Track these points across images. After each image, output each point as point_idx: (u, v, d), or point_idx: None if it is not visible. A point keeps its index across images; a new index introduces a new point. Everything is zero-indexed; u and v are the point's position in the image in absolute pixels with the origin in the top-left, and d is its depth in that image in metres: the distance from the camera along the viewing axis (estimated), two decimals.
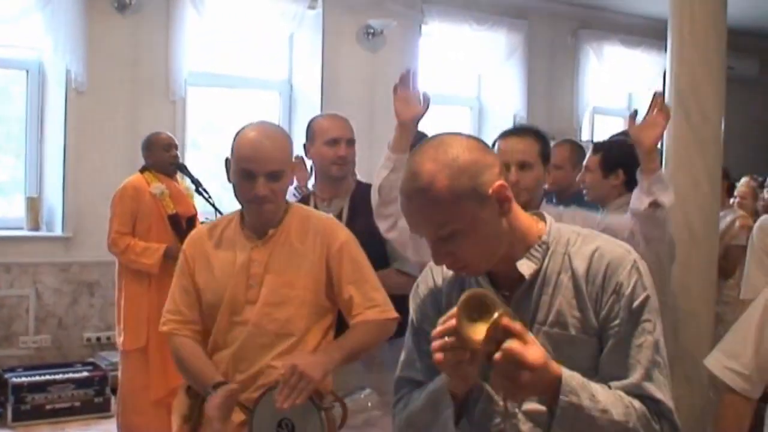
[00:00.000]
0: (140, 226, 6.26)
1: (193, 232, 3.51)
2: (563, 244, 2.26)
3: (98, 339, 8.20)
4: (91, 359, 7.96)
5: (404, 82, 4.02)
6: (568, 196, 5.48)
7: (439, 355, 2.01)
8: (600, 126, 12.05)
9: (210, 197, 6.30)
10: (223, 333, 3.30)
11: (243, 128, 3.29)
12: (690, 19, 5.59)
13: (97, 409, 7.46)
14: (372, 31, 9.52)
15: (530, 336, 2.01)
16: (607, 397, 2.07)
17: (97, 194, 7.77)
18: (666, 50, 5.80)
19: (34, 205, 8.19)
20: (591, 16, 11.22)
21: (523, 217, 2.26)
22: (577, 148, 5.79)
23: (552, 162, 5.41)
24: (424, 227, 2.16)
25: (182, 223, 6.33)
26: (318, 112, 9.17)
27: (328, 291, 3.36)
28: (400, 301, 3.49)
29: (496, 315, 1.96)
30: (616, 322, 2.16)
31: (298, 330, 3.28)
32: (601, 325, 2.18)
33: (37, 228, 8.20)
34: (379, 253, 4.04)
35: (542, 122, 10.57)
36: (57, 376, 7.41)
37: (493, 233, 2.16)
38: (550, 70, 11.06)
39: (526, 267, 2.22)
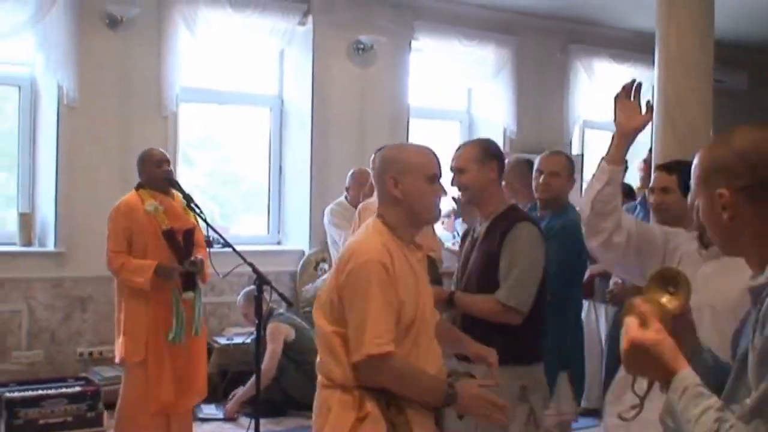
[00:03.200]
0: (136, 243, 6.29)
1: (376, 247, 3.41)
2: None
3: (91, 354, 8.21)
4: (83, 374, 7.95)
5: (626, 92, 4.01)
6: (558, 206, 5.54)
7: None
8: (590, 140, 12.11)
9: (201, 212, 6.32)
10: (412, 344, 3.44)
11: (404, 147, 3.88)
12: (676, 33, 5.65)
13: (90, 423, 7.44)
14: (362, 46, 9.56)
15: (655, 324, 2.11)
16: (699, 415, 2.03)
17: (89, 209, 7.81)
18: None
19: (26, 221, 8.21)
20: (580, 30, 11.28)
21: None
22: (570, 159, 5.85)
23: (550, 169, 5.50)
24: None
25: (178, 238, 6.35)
26: (309, 127, 9.24)
27: None
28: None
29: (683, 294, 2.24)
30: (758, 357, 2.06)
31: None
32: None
33: (29, 243, 8.21)
34: (491, 275, 4.38)
35: (532, 136, 10.68)
36: (50, 391, 7.40)
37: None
38: (540, 84, 11.11)
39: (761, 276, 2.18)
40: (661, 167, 4.74)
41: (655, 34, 5.79)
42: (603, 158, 3.90)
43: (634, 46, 11.19)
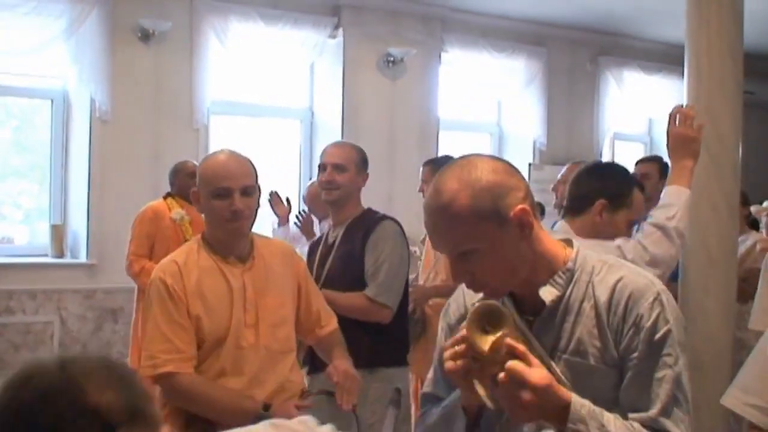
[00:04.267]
0: (159, 249, 6.33)
1: (163, 266, 3.39)
2: (588, 272, 2.22)
3: None
4: None
5: (673, 119, 4.06)
6: None
7: (450, 363, 2.07)
8: (620, 151, 12.06)
9: None
10: (230, 359, 3.32)
11: (206, 157, 3.52)
12: (707, 45, 5.62)
13: None
14: (392, 59, 9.58)
15: (534, 358, 2.03)
16: (618, 428, 2.06)
17: (120, 221, 7.83)
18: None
19: (58, 233, 8.27)
20: (609, 42, 11.25)
21: (548, 242, 2.24)
22: None
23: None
24: (443, 244, 2.18)
25: None
26: (339, 139, 9.24)
27: (297, 307, 3.59)
28: (351, 324, 4.02)
29: (501, 332, 2.02)
30: (635, 354, 2.13)
31: (293, 345, 3.52)
32: (621, 356, 2.14)
33: (61, 255, 8.28)
34: (355, 275, 4.35)
35: (562, 148, 10.66)
36: None
37: (512, 256, 2.15)
38: (570, 96, 11.09)
39: (548, 293, 2.20)
40: None
41: (684, 45, 5.77)
42: (677, 186, 3.90)
43: (664, 57, 11.14)
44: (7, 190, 8.59)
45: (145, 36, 8.30)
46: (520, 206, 2.12)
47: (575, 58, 11.12)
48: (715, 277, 5.49)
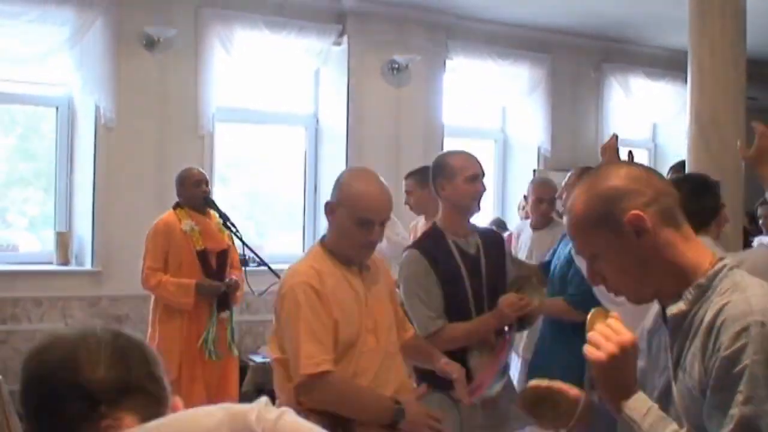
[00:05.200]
0: (172, 261, 6.38)
1: (304, 271, 3.43)
2: (719, 292, 2.11)
3: None
4: None
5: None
6: None
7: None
8: (625, 157, 12.06)
9: (237, 231, 6.39)
10: (358, 363, 3.43)
11: (355, 177, 3.57)
12: (710, 51, 5.64)
13: None
14: (397, 66, 9.59)
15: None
16: None
17: (126, 229, 7.87)
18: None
19: (63, 240, 8.28)
20: (613, 49, 11.26)
21: (686, 252, 2.17)
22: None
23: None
24: (575, 247, 2.29)
25: (211, 259, 6.45)
26: (344, 146, 9.26)
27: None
28: None
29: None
30: (711, 383, 2.03)
31: (398, 349, 3.66)
32: (705, 382, 2.06)
33: (66, 262, 8.29)
34: (504, 284, 4.43)
35: (566, 154, 10.66)
36: None
37: (631, 263, 2.15)
38: (574, 102, 11.10)
39: (674, 306, 2.16)
40: None
41: (687, 51, 5.79)
42: None
43: (667, 63, 11.14)
44: (13, 198, 8.61)
45: (151, 43, 8.32)
46: (634, 212, 2.11)
47: (579, 65, 11.13)
48: None
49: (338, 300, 3.39)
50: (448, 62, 10.04)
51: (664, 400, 2.17)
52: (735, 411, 1.97)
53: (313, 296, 3.33)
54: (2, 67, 7.99)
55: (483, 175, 4.42)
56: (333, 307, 3.36)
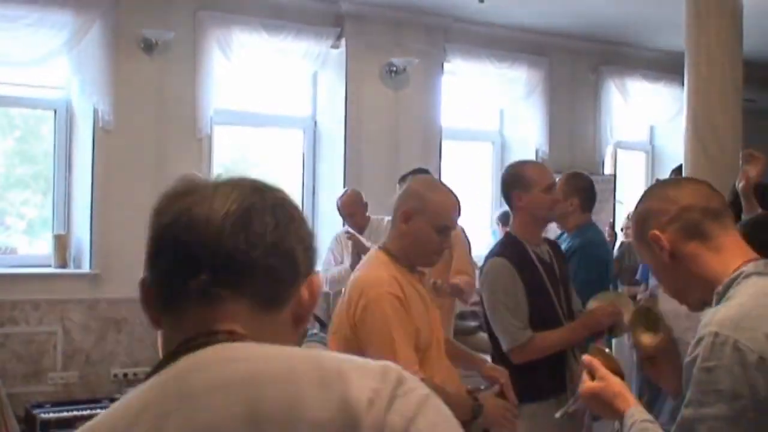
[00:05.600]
0: None
1: (384, 280, 3.45)
2: (725, 300, 2.27)
3: (125, 375, 8.26)
4: (118, 395, 7.98)
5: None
6: (573, 226, 5.53)
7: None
8: (622, 160, 12.09)
9: None
10: (430, 368, 3.46)
11: (431, 187, 3.68)
12: (706, 54, 5.65)
13: None
14: (394, 69, 9.59)
15: (601, 372, 2.39)
16: None
17: (124, 231, 7.86)
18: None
19: (62, 243, 8.28)
20: (611, 51, 11.27)
21: (714, 264, 2.32)
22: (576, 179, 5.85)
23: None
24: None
25: None
26: (342, 149, 9.26)
27: None
28: None
29: (659, 335, 2.68)
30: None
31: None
32: None
33: (64, 265, 8.28)
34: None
35: (564, 157, 10.67)
36: (85, 412, 7.44)
37: (667, 275, 2.39)
38: (572, 105, 11.11)
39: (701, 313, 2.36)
40: None
41: (684, 54, 5.80)
42: None
43: (665, 66, 11.16)
44: (11, 200, 8.61)
45: (149, 46, 8.33)
46: (651, 231, 2.35)
47: (577, 68, 11.15)
48: None
49: (415, 306, 3.45)
50: (445, 65, 10.05)
51: None
52: (682, 412, 2.19)
53: (398, 306, 3.36)
54: (0, 70, 8.00)
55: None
56: (413, 314, 3.42)
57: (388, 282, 3.40)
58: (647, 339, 2.65)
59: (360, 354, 3.33)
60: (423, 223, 3.47)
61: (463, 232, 6.43)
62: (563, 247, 5.20)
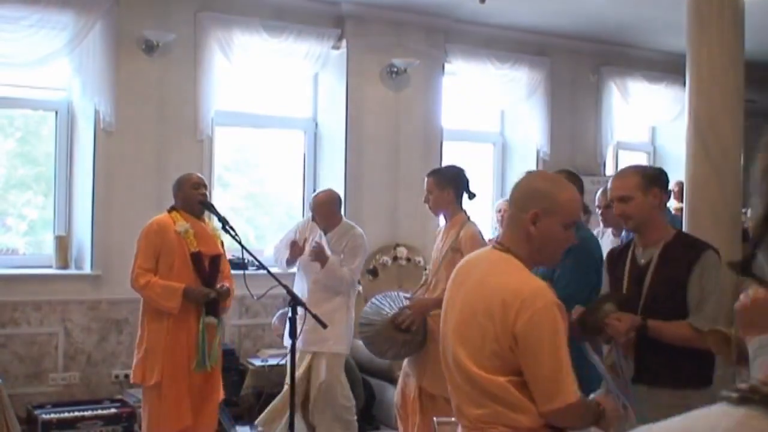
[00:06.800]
0: (163, 263, 6.35)
1: (541, 286, 3.30)
2: None
3: (126, 376, 8.23)
4: (119, 396, 8.02)
5: None
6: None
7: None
8: (624, 161, 12.08)
9: (237, 235, 6.38)
10: None
11: (556, 185, 3.52)
12: (708, 55, 5.65)
13: None
14: (395, 70, 9.60)
15: None
16: None
17: (125, 232, 7.87)
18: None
19: (63, 244, 8.29)
20: (612, 52, 11.28)
21: None
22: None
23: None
24: None
25: (204, 262, 6.42)
26: (343, 150, 9.27)
27: None
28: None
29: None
30: None
31: None
32: None
33: (66, 266, 8.30)
34: (677, 302, 4.42)
35: (566, 157, 10.67)
36: (86, 413, 7.48)
37: None
38: (573, 105, 11.12)
39: None
40: None
41: (686, 55, 5.80)
42: None
43: (666, 66, 11.17)
44: (12, 202, 8.61)
45: (150, 48, 8.33)
46: None
47: (578, 68, 11.15)
48: None
49: None
50: (446, 66, 10.06)
51: None
52: None
53: (561, 318, 3.26)
54: (2, 72, 7.99)
55: None
56: None
57: (548, 290, 3.29)
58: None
59: (518, 366, 3.23)
60: (553, 223, 3.37)
61: (478, 233, 6.30)
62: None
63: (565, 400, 3.19)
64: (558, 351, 3.19)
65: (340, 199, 7.49)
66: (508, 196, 5.15)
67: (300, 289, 7.02)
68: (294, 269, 7.49)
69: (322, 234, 7.27)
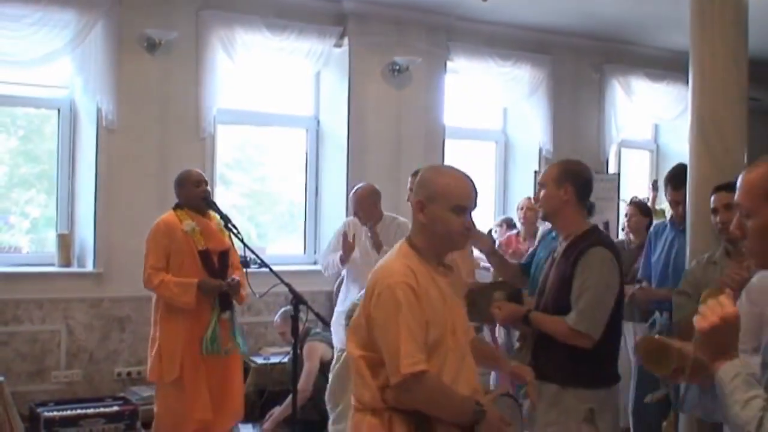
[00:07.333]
0: (173, 262, 6.38)
1: (402, 271, 3.44)
2: None
3: (129, 374, 8.27)
4: (121, 394, 8.02)
5: None
6: None
7: None
8: (627, 159, 12.08)
9: (238, 232, 6.38)
10: (441, 362, 3.45)
11: (439, 172, 3.64)
12: (711, 52, 5.63)
13: None
14: (397, 67, 9.59)
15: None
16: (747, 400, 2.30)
17: (127, 230, 7.88)
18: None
19: (65, 242, 8.29)
20: (615, 49, 11.26)
21: None
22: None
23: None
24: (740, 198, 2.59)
25: (213, 258, 6.45)
26: (345, 148, 9.27)
27: None
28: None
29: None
30: None
31: (469, 350, 3.66)
32: None
33: (68, 264, 8.30)
34: (565, 296, 4.45)
35: (568, 156, 10.63)
36: (88, 411, 7.47)
37: None
38: (576, 103, 11.10)
39: None
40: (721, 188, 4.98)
41: (689, 52, 5.78)
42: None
43: (669, 64, 11.16)
44: (15, 200, 8.61)
45: (152, 46, 8.33)
46: None
47: (580, 66, 11.13)
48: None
49: (429, 299, 3.42)
50: (448, 64, 10.05)
51: None
52: None
53: (411, 295, 3.35)
54: (4, 70, 7.99)
55: None
56: (426, 307, 3.39)
57: (403, 272, 3.39)
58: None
59: (372, 343, 3.33)
60: (438, 209, 3.47)
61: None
62: (554, 245, 5.17)
63: (401, 372, 3.26)
64: (399, 326, 3.29)
65: (379, 192, 7.46)
66: (531, 196, 5.18)
67: (351, 298, 6.86)
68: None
69: (370, 227, 7.20)
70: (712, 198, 4.93)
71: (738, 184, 2.60)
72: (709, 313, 2.39)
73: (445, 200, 3.46)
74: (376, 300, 3.38)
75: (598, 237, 4.59)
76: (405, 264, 3.44)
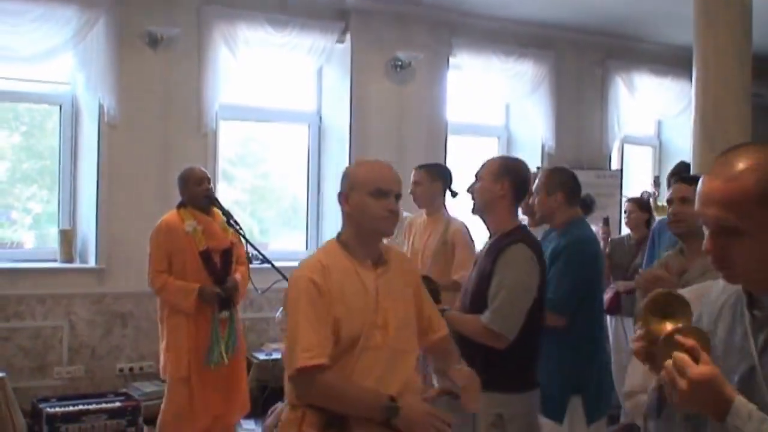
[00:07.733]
0: (176, 263, 6.39)
1: (310, 266, 3.47)
2: None
3: (131, 369, 8.27)
4: (123, 389, 8.02)
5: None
6: (560, 223, 5.38)
7: (635, 344, 2.23)
8: (629, 155, 12.06)
9: (241, 228, 6.39)
10: (360, 359, 3.43)
11: (358, 163, 3.86)
12: (714, 48, 5.63)
13: None
14: (400, 63, 9.58)
15: (704, 354, 2.07)
16: None
17: (130, 226, 7.89)
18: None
19: (67, 238, 8.29)
20: (618, 45, 11.24)
21: None
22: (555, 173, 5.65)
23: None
24: (710, 212, 2.18)
25: (214, 258, 6.44)
26: (347, 144, 9.26)
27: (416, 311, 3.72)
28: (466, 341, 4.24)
29: (678, 323, 2.19)
30: None
31: (415, 346, 3.67)
32: None
33: (70, 260, 8.29)
34: (484, 294, 4.37)
35: (571, 152, 10.66)
36: (90, 407, 7.47)
37: None
38: (579, 99, 11.08)
39: None
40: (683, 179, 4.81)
41: (692, 48, 5.77)
42: None
43: (673, 60, 11.13)
44: (17, 195, 8.60)
45: (154, 42, 8.32)
46: None
47: (583, 62, 11.11)
48: None
49: (344, 294, 3.41)
50: (451, 59, 10.03)
51: (746, 385, 2.18)
52: None
53: (313, 290, 3.36)
54: (6, 66, 7.99)
55: None
56: (335, 302, 3.38)
57: (312, 266, 3.44)
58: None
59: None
60: (359, 196, 3.51)
61: (465, 227, 6.45)
62: (552, 245, 5.15)
63: (295, 365, 3.29)
64: (298, 320, 3.34)
65: None
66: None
67: None
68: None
69: None
70: (672, 188, 4.85)
71: (704, 191, 2.22)
72: (677, 379, 2.08)
73: (363, 186, 3.52)
74: (285, 294, 3.49)
75: (522, 234, 4.49)
76: (317, 259, 3.50)
